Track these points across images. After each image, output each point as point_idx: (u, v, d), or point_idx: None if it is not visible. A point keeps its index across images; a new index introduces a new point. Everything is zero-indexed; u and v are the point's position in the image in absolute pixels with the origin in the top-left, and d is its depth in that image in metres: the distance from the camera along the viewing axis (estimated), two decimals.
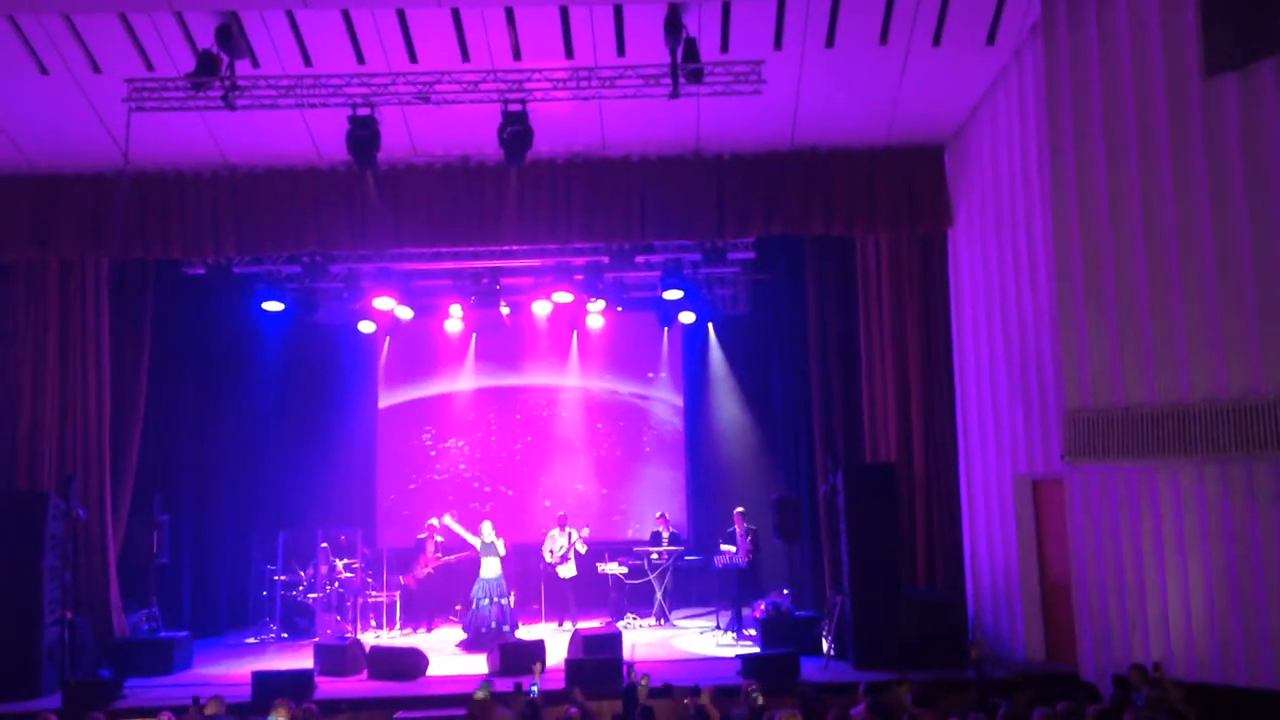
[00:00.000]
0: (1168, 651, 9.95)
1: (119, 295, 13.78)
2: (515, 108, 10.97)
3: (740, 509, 14.36)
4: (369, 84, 10.99)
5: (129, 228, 12.38)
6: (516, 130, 10.97)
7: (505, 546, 13.79)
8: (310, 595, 14.56)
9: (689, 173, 12.80)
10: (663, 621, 14.69)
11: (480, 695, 8.42)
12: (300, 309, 15.40)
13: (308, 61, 11.15)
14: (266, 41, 10.89)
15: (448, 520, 14.06)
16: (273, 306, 14.87)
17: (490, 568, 13.59)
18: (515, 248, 13.78)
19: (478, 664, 12.07)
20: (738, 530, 14.07)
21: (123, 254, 12.63)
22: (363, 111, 11.01)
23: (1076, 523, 10.79)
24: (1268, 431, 9.28)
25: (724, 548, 14.16)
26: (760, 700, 8.03)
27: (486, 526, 13.81)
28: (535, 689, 9.36)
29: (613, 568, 14.86)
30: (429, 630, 14.59)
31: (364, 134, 11.00)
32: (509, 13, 10.77)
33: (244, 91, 10.77)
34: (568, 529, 14.51)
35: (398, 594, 14.75)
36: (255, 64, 11.01)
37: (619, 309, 16.39)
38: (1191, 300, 9.91)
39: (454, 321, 16.37)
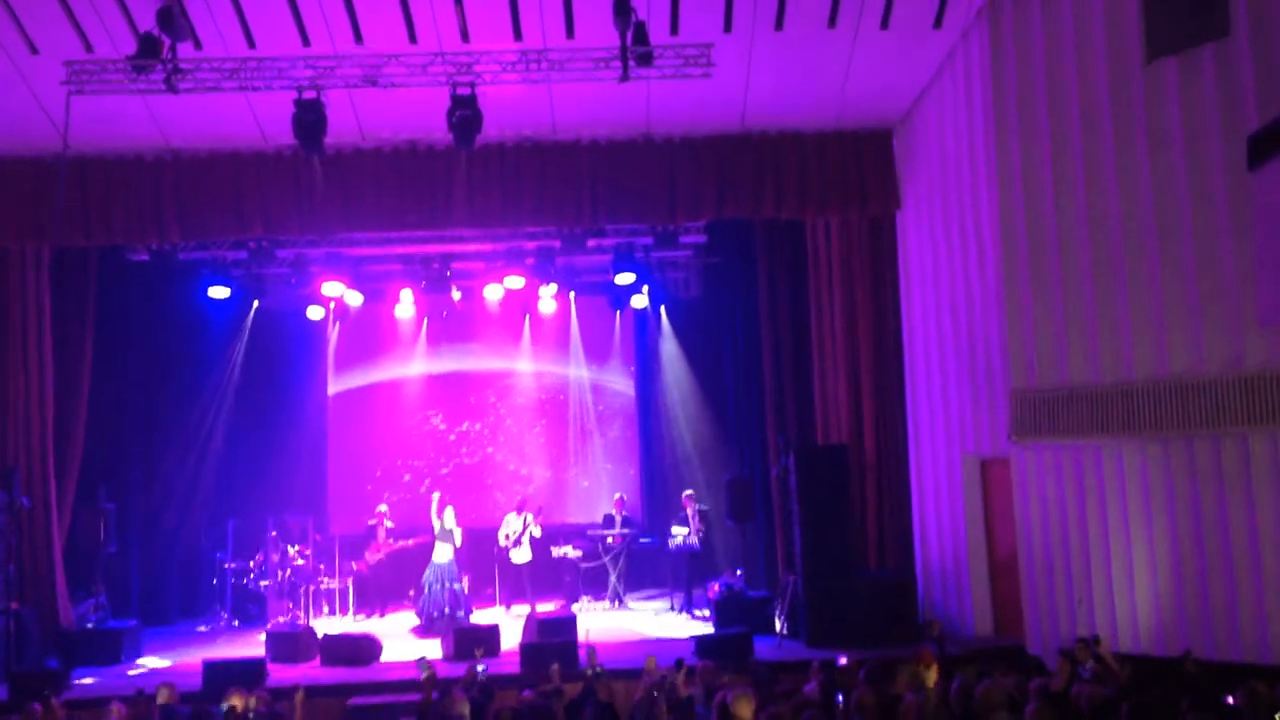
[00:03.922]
0: (1112, 625, 10.17)
1: (60, 281, 13.52)
2: (464, 91, 10.88)
3: (689, 491, 14.45)
4: (315, 66, 10.85)
5: (69, 213, 12.12)
6: (466, 114, 10.89)
7: (461, 537, 13.74)
8: (261, 583, 14.43)
9: (640, 156, 12.80)
10: (617, 604, 14.73)
11: (425, 675, 8.37)
12: (247, 295, 15.23)
13: (251, 43, 10.99)
14: (209, 23, 10.70)
15: (448, 514, 13.82)
16: (219, 293, 14.66)
17: (442, 553, 13.54)
18: (466, 232, 13.72)
19: (432, 649, 12.05)
20: (688, 512, 14.14)
21: (63, 240, 12.39)
22: (309, 95, 10.86)
23: (1023, 501, 10.98)
24: (1209, 409, 9.49)
25: (675, 530, 14.24)
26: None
27: (449, 513, 13.74)
28: (482, 669, 9.34)
29: (567, 551, 14.87)
30: (382, 616, 14.53)
31: (310, 117, 10.86)
32: None
33: (186, 74, 10.57)
34: (524, 514, 14.49)
35: (350, 580, 14.67)
36: (198, 46, 10.80)
37: (571, 293, 16.37)
38: (1135, 281, 10.10)
39: (404, 307, 16.24)
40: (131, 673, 11.55)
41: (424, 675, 8.37)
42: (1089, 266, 10.40)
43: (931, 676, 7.68)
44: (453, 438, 16.74)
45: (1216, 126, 9.52)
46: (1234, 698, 6.22)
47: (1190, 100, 9.72)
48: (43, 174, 12.21)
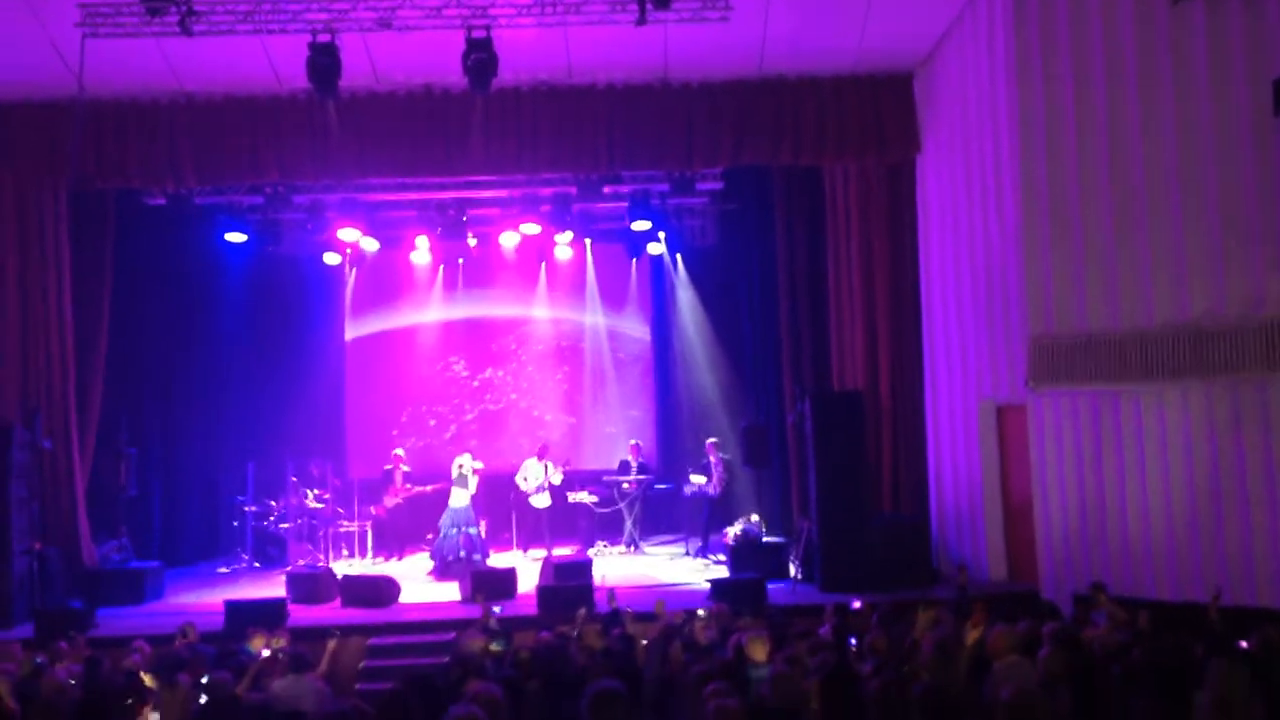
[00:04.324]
0: (1126, 570, 10.20)
1: (78, 226, 13.52)
2: (479, 34, 10.78)
3: (713, 439, 14.48)
4: (329, 9, 10.75)
5: (86, 156, 12.11)
6: (481, 57, 10.79)
7: (477, 484, 13.85)
8: (282, 525, 14.60)
9: (657, 101, 12.69)
10: (633, 549, 14.85)
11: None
12: (264, 240, 15.20)
13: None
14: None
15: (467, 462, 13.93)
16: (235, 238, 14.70)
17: (458, 498, 13.66)
18: (482, 178, 13.64)
19: (449, 591, 12.19)
20: (711, 460, 14.19)
21: (79, 184, 12.42)
22: (323, 38, 10.79)
23: (1039, 447, 10.97)
24: (1228, 355, 9.45)
25: (693, 478, 14.30)
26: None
27: (466, 459, 13.84)
28: (497, 610, 9.49)
29: (583, 497, 14.96)
30: (400, 559, 14.68)
31: (325, 61, 10.80)
32: None
33: (201, 17, 10.51)
34: (544, 461, 14.57)
35: (368, 524, 14.81)
36: None
37: (587, 240, 16.32)
38: (1156, 227, 10.01)
39: (420, 253, 16.25)
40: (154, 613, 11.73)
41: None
42: (1109, 212, 10.30)
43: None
44: (476, 384, 16.86)
45: (1242, 69, 9.39)
46: (1248, 643, 6.24)
47: (1217, 43, 9.57)
48: (58, 118, 12.17)
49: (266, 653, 7.99)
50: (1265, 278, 9.28)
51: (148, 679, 7.35)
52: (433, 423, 16.65)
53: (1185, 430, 9.90)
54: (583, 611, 9.22)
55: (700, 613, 8.69)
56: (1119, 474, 10.36)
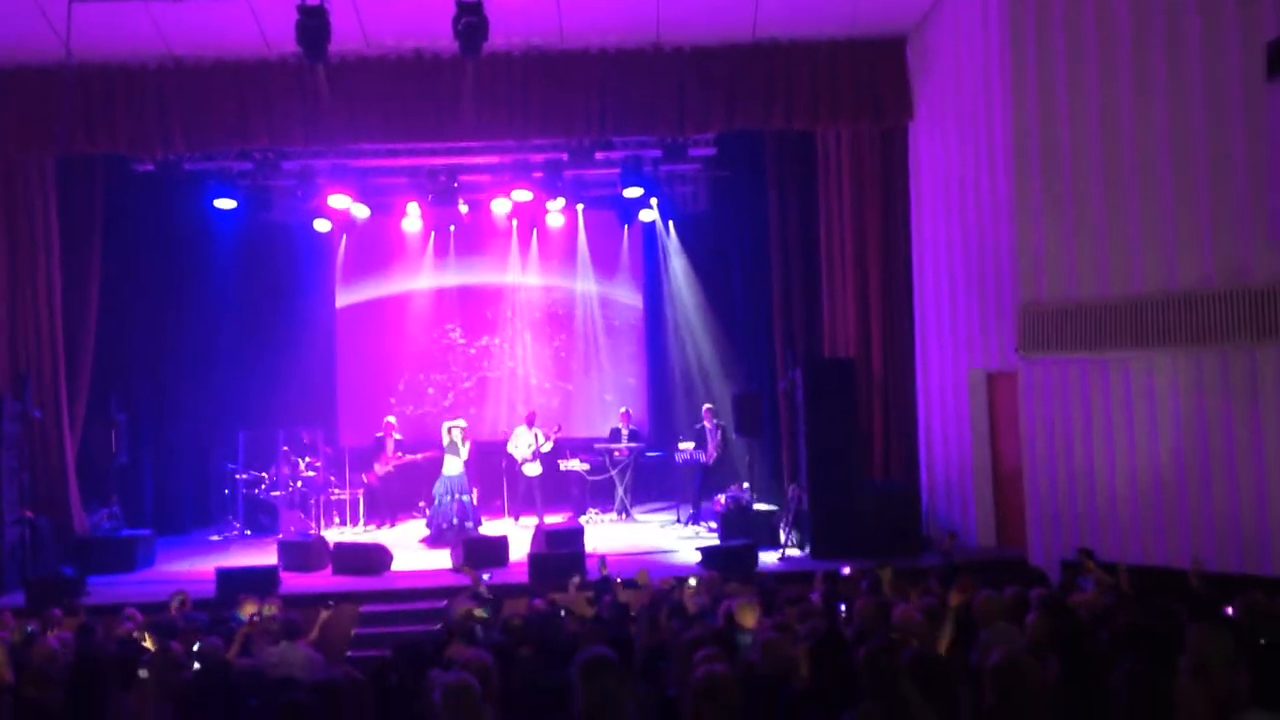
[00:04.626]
0: (1114, 537, 10.26)
1: (67, 192, 13.47)
2: None
3: (709, 405, 14.50)
4: None
5: (73, 122, 11.99)
6: (471, 21, 10.67)
7: (469, 451, 13.85)
8: (273, 493, 14.61)
9: (649, 66, 12.60)
10: (624, 516, 14.90)
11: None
12: (254, 206, 15.08)
13: None
14: None
15: (455, 427, 13.94)
16: (225, 204, 14.58)
17: (452, 465, 13.67)
18: (473, 144, 13.54)
19: (441, 559, 12.23)
20: (707, 426, 14.22)
21: (67, 149, 12.31)
22: (312, 1, 10.67)
23: (1029, 414, 11.01)
24: (1217, 322, 9.45)
25: (682, 445, 14.32)
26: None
27: (456, 429, 13.84)
28: (487, 577, 9.54)
29: (574, 464, 14.99)
30: (392, 526, 14.71)
31: (314, 24, 10.65)
32: None
33: None
34: (534, 428, 14.58)
35: (360, 492, 14.83)
36: None
37: (579, 207, 16.25)
38: (1147, 194, 10.00)
39: (412, 220, 16.17)
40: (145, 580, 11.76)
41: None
42: (1101, 179, 10.29)
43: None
44: (473, 351, 16.83)
45: (1236, 34, 9.34)
46: (1232, 608, 6.28)
47: (1210, 10, 9.51)
48: (46, 83, 12.07)
49: (257, 618, 8.01)
50: (1255, 246, 9.27)
51: (148, 641, 7.37)
52: (431, 390, 16.65)
53: (1174, 397, 9.94)
54: (576, 580, 9.26)
55: (691, 581, 8.72)
56: (1108, 440, 10.40)
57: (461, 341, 16.87)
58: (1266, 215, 9.03)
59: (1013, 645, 4.88)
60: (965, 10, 11.87)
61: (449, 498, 13.52)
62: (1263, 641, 5.29)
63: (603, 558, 10.12)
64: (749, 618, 6.63)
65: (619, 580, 9.11)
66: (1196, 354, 9.73)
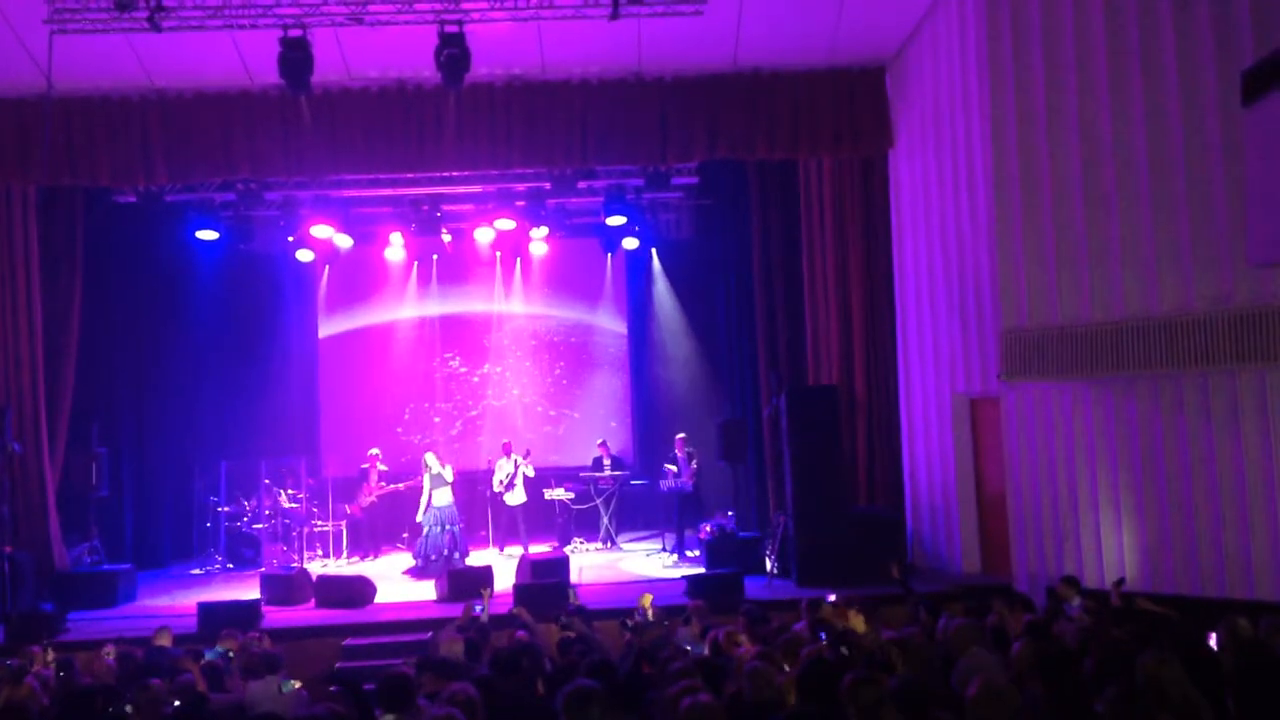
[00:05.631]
0: (1100, 563, 10.27)
1: (48, 223, 13.42)
2: (452, 29, 10.74)
3: (681, 434, 14.48)
4: (300, 4, 10.67)
5: (55, 154, 11.99)
6: (454, 53, 10.75)
7: (452, 473, 13.77)
8: (255, 526, 14.51)
9: (631, 96, 12.68)
10: (609, 545, 14.85)
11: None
12: (236, 237, 15.07)
13: None
14: None
15: (430, 459, 13.85)
16: (207, 235, 14.58)
17: (442, 496, 13.57)
18: (455, 174, 13.59)
19: (425, 590, 12.15)
20: (679, 455, 14.20)
21: (49, 180, 12.27)
22: (294, 33, 10.71)
23: (1012, 440, 11.02)
24: (1197, 347, 9.50)
25: (667, 466, 14.30)
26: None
27: (430, 458, 13.76)
28: (484, 612, 9.45)
29: (559, 493, 14.94)
30: (375, 558, 14.62)
31: (296, 56, 10.72)
32: None
33: (170, 12, 10.41)
34: (513, 456, 14.53)
35: (343, 523, 14.74)
36: None
37: (562, 235, 16.30)
38: (1127, 219, 10.07)
39: (395, 250, 16.18)
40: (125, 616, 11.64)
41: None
42: (1081, 205, 10.36)
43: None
44: (476, 379, 16.84)
45: (1211, 61, 9.44)
46: (1215, 634, 6.28)
47: (1185, 34, 9.62)
48: (27, 115, 12.11)
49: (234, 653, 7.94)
50: (1234, 270, 9.34)
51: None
52: (437, 419, 16.63)
53: (1155, 422, 9.96)
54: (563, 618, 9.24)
55: (676, 609, 8.70)
56: (1091, 466, 10.42)
57: (461, 370, 16.81)
58: (1244, 240, 9.08)
59: (990, 673, 4.85)
60: (944, 38, 11.99)
61: (439, 529, 13.40)
62: (1244, 666, 5.28)
63: (573, 588, 10.13)
64: (736, 647, 6.60)
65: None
66: (1177, 378, 9.77)
